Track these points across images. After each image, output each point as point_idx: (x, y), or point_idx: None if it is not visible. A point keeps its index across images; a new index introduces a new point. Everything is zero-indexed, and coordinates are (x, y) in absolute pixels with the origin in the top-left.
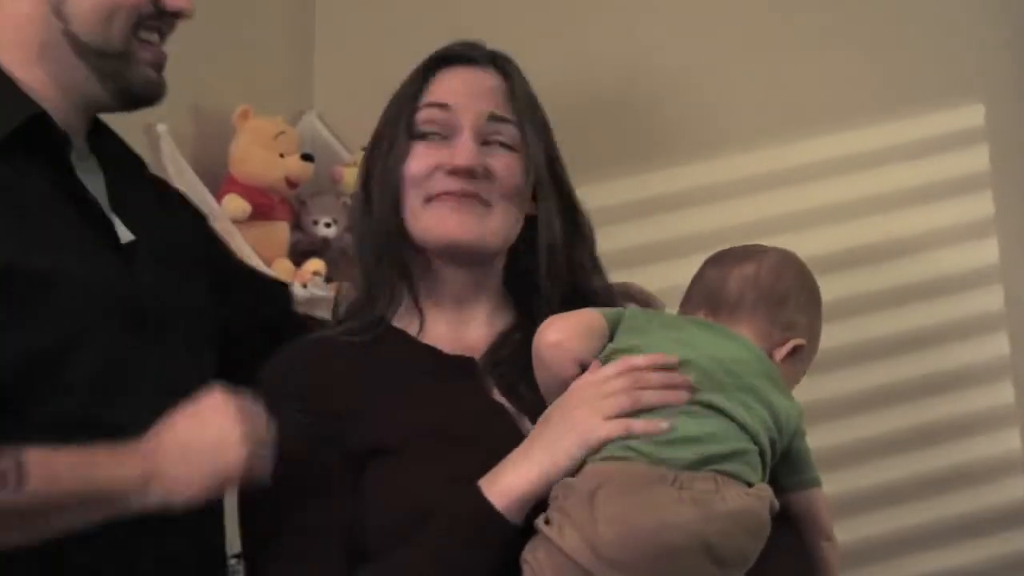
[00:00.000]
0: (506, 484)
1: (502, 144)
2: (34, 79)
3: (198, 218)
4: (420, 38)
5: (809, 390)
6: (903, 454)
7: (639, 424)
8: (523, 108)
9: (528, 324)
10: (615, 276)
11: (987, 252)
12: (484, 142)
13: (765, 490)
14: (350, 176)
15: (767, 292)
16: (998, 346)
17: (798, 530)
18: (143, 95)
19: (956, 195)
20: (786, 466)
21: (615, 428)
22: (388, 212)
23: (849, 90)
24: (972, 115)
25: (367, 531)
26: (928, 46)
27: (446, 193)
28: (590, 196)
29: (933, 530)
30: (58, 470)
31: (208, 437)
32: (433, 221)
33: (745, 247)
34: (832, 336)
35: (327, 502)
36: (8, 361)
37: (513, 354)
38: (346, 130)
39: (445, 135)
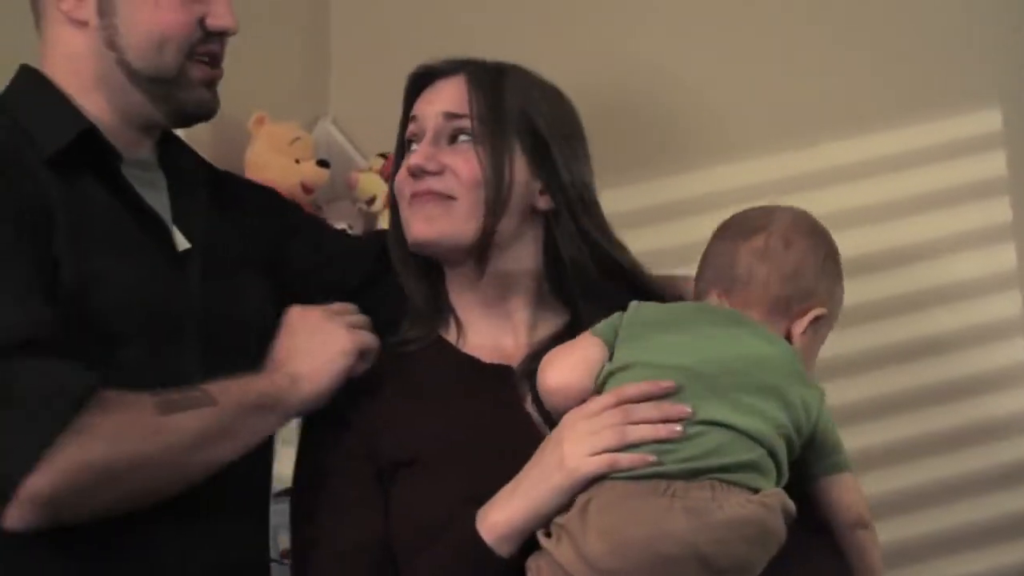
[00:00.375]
0: (495, 520)
1: (459, 140)
2: (92, 104)
3: (273, 215)
4: (435, 45)
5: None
6: (920, 460)
7: (625, 459)
8: (481, 101)
9: (577, 327)
10: None
11: (1004, 257)
12: (450, 141)
13: (773, 496)
14: (365, 182)
15: (779, 264)
16: (1015, 352)
17: (829, 519)
18: (196, 114)
19: (973, 200)
20: (812, 452)
21: (600, 465)
22: (398, 228)
23: (864, 94)
24: (989, 120)
25: (393, 543)
26: (944, 50)
27: (413, 196)
28: (605, 201)
29: (953, 535)
30: (231, 388)
31: (313, 332)
32: (406, 225)
33: (752, 213)
34: (847, 342)
35: (362, 516)
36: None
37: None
38: (361, 136)
39: (419, 143)
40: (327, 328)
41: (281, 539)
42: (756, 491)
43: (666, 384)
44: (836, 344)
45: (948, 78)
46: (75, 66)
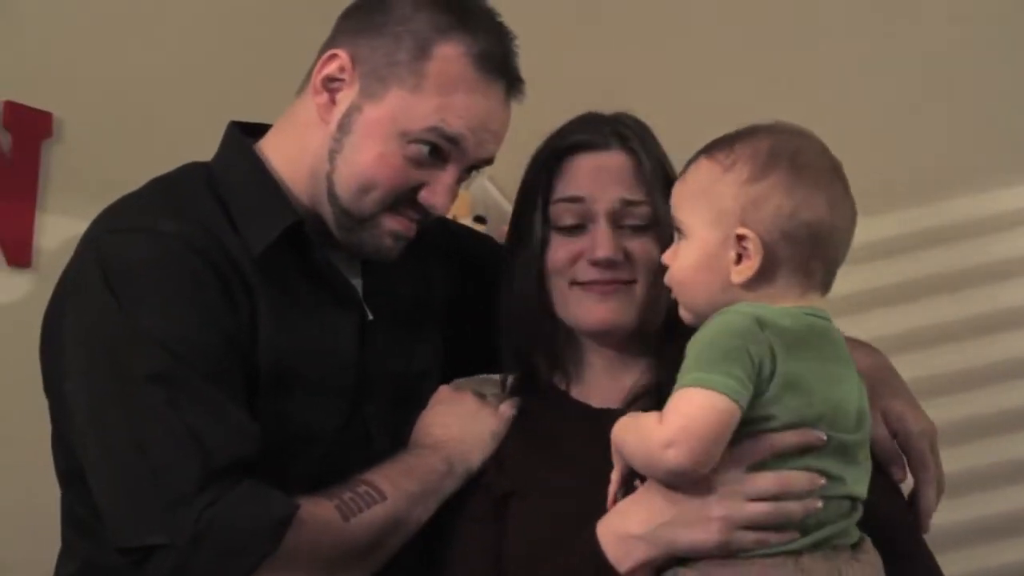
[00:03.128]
0: (628, 557)
1: (637, 225)
2: (298, 187)
3: (453, 261)
4: (587, 103)
5: (952, 461)
6: None
7: (775, 538)
8: (653, 184)
9: (662, 370)
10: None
11: None
12: (619, 225)
13: (869, 547)
14: None
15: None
16: None
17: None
18: (368, 257)
19: None
20: None
21: (753, 543)
22: (533, 295)
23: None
24: None
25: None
26: None
27: (591, 282)
28: None
29: None
30: (395, 478)
31: (467, 416)
32: (582, 309)
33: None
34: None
35: (475, 545)
36: (273, 430)
37: (654, 406)
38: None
39: (581, 223)
40: (480, 414)
41: None
42: (853, 546)
43: (818, 435)
44: None
45: None
46: (299, 150)
